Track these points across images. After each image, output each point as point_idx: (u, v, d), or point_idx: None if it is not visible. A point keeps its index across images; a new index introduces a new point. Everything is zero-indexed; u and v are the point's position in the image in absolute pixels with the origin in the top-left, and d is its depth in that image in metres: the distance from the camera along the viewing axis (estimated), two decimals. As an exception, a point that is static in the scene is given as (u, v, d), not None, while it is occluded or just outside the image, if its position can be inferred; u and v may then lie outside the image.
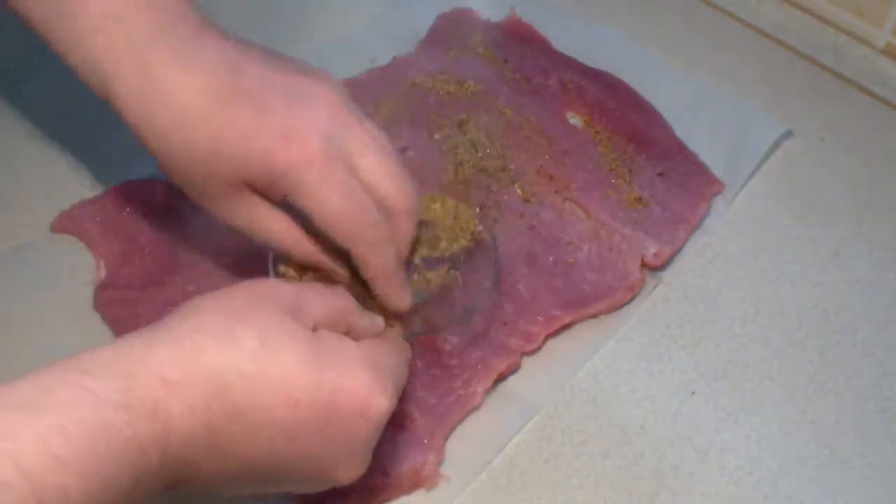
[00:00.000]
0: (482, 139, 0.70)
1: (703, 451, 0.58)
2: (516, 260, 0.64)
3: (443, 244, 0.56)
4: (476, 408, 0.58)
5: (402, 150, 0.69)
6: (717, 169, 0.70)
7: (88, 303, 0.62)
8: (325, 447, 0.44)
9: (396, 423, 0.55)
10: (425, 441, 0.55)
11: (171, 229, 0.63)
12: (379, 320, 0.51)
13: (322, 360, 0.43)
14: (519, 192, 0.67)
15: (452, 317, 0.56)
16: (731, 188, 0.70)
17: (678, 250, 0.66)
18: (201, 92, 0.47)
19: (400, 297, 0.52)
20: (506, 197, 0.67)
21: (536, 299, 0.62)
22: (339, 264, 0.51)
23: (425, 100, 0.72)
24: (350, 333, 0.48)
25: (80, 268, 0.63)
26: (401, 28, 0.80)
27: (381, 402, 0.45)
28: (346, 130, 0.48)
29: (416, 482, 0.55)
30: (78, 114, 0.67)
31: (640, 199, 0.68)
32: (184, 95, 0.47)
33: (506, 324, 0.61)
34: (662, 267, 0.66)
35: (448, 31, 0.78)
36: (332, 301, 0.48)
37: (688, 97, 0.75)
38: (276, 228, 0.50)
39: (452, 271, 0.56)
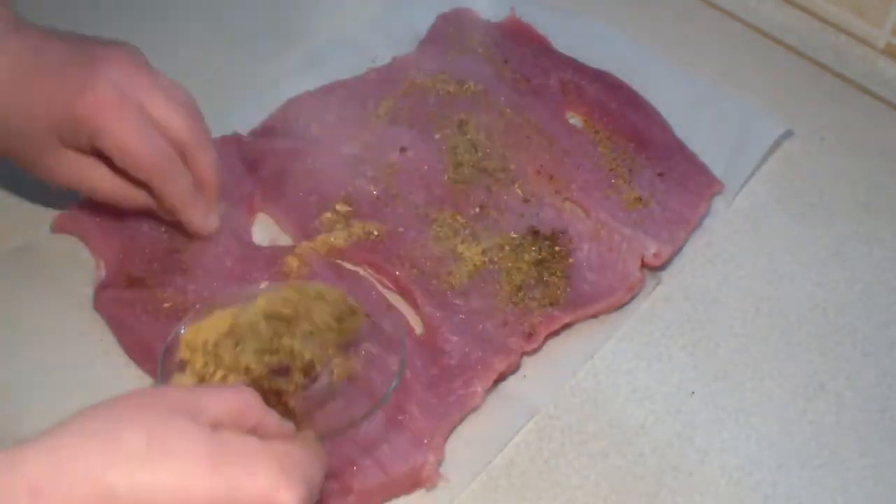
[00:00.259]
0: (482, 139, 0.70)
1: (703, 451, 0.58)
2: (516, 260, 0.64)
3: (331, 352, 0.51)
4: (476, 408, 0.58)
5: (402, 150, 0.69)
6: (717, 169, 0.70)
7: (88, 303, 0.62)
8: None
9: (396, 423, 0.55)
10: (425, 441, 0.55)
11: (171, 229, 0.63)
12: (288, 423, 0.46)
13: (220, 457, 0.40)
14: (519, 192, 0.67)
15: (363, 410, 0.51)
16: (731, 188, 0.70)
17: (678, 250, 0.66)
18: (11, 70, 0.57)
19: (203, 220, 0.61)
20: (506, 197, 0.67)
21: (536, 299, 0.62)
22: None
23: (425, 100, 0.72)
24: (257, 431, 0.43)
25: (80, 268, 0.63)
26: (401, 28, 0.80)
27: (285, 499, 0.40)
28: (137, 83, 0.57)
29: (416, 482, 0.55)
30: (78, 114, 0.68)
31: (640, 199, 0.67)
32: None
33: (506, 324, 0.61)
34: (662, 267, 0.66)
35: (448, 31, 0.78)
36: (233, 396, 0.43)
37: (688, 97, 0.75)
38: (97, 175, 0.59)
39: (353, 360, 0.52)
